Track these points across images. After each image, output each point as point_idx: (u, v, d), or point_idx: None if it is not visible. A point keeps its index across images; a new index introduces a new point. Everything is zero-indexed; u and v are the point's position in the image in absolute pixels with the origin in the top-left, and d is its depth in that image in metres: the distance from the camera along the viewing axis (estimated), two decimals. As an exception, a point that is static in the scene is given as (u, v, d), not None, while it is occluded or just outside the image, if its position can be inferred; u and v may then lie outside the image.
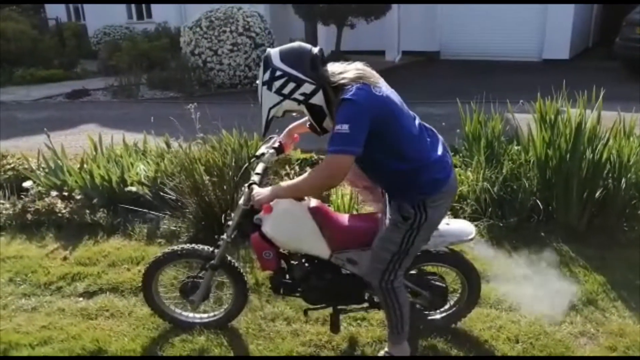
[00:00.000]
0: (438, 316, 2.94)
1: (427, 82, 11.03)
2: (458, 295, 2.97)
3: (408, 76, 11.79)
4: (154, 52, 12.87)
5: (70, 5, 19.55)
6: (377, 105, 2.13)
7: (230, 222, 2.69)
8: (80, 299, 3.46)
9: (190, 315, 3.09)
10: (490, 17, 13.15)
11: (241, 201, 2.60)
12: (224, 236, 2.73)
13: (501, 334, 2.90)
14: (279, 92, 2.19)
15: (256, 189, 2.46)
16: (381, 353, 2.73)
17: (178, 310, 3.10)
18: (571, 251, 3.73)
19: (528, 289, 3.28)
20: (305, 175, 2.30)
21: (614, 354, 2.75)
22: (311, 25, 13.63)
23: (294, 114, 2.34)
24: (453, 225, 2.69)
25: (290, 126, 2.85)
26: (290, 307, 3.20)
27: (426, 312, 2.92)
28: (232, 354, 2.87)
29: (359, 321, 3.05)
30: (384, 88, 2.24)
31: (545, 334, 2.90)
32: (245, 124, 4.44)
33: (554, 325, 2.98)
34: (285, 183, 2.43)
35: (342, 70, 2.22)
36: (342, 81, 2.17)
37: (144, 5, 17.71)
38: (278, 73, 2.17)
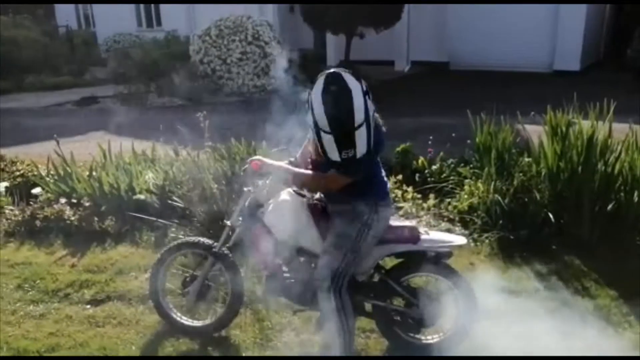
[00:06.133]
0: (432, 341, 2.85)
1: (436, 93, 11.01)
2: (453, 320, 2.83)
3: (417, 86, 11.79)
4: (163, 60, 12.92)
5: (81, 13, 19.70)
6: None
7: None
8: (88, 306, 3.46)
9: (184, 318, 3.10)
10: (501, 28, 13.12)
11: (245, 187, 2.78)
12: (227, 222, 2.85)
13: (512, 347, 2.85)
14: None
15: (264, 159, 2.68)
16: None
17: (174, 310, 3.11)
18: (582, 265, 3.69)
19: (538, 302, 3.25)
20: (312, 173, 2.55)
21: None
22: (320, 34, 13.67)
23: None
24: (444, 234, 2.90)
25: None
26: (298, 317, 3.17)
27: (420, 336, 2.86)
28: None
29: (367, 333, 3.02)
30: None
31: (556, 347, 2.85)
32: (254, 133, 4.43)
33: (565, 339, 2.93)
34: (295, 169, 2.64)
35: None
36: None
37: (153, 14, 17.81)
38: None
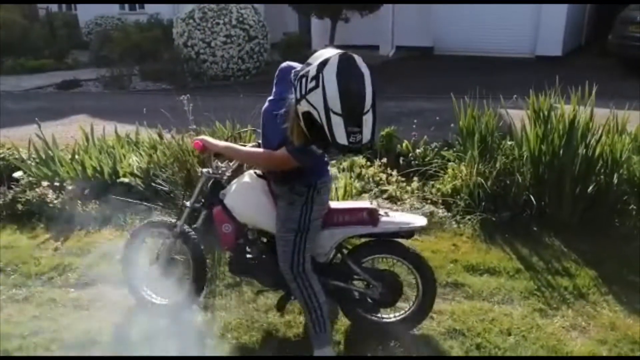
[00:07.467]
0: (393, 319, 2.89)
1: (420, 77, 11.01)
2: (412, 299, 2.90)
3: (402, 71, 11.78)
4: (146, 43, 12.72)
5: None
6: None
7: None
8: (72, 289, 3.44)
9: (154, 297, 3.14)
10: (484, 13, 13.14)
11: (204, 169, 2.83)
12: (187, 202, 2.91)
13: (494, 327, 2.92)
14: None
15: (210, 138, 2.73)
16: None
17: (146, 290, 3.15)
18: (563, 246, 3.76)
19: (519, 282, 3.31)
20: (259, 151, 2.54)
21: (605, 347, 2.77)
22: (305, 18, 13.58)
23: None
24: (406, 215, 2.84)
25: None
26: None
27: (380, 315, 2.89)
28: (225, 345, 2.86)
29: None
30: None
31: (537, 327, 2.92)
32: (238, 116, 4.41)
33: (546, 318, 3.00)
34: (242, 147, 2.66)
35: None
36: None
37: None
38: None
